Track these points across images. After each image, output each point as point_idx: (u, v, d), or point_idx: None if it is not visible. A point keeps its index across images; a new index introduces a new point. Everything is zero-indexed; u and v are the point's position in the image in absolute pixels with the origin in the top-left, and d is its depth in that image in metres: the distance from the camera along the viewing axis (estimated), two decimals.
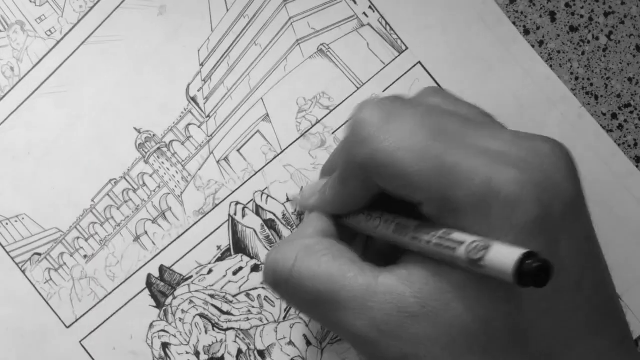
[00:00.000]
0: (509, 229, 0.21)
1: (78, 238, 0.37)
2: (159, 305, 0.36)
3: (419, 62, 0.36)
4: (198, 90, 0.37)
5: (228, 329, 0.36)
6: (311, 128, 0.36)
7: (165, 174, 0.36)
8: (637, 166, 0.36)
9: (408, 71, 0.36)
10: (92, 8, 0.37)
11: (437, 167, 0.22)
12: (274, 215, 0.36)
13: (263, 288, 0.36)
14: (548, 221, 0.22)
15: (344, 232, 0.29)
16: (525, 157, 0.23)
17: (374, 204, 0.28)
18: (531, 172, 0.22)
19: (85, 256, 0.36)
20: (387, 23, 0.36)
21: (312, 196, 0.30)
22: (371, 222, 0.27)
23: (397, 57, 0.36)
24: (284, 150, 0.36)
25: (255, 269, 0.36)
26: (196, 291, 0.36)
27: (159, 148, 0.37)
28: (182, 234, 0.36)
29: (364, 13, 0.36)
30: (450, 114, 0.26)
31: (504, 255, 0.20)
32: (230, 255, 0.36)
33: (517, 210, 0.21)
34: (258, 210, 0.36)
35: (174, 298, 0.36)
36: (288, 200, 0.36)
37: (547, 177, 0.23)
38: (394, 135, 0.23)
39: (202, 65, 0.37)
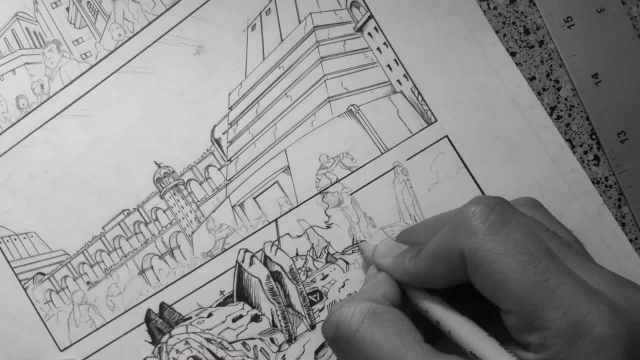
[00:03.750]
0: None
1: (84, 263, 0.38)
2: (155, 342, 0.38)
3: (447, 136, 0.38)
4: (223, 133, 0.38)
5: None
6: (330, 186, 0.38)
7: (179, 211, 0.38)
8: None
9: (434, 143, 0.38)
10: (130, 38, 0.38)
11: (539, 282, 0.24)
12: (282, 268, 0.38)
13: (260, 339, 0.38)
14: None
15: (407, 301, 0.31)
16: (622, 304, 0.24)
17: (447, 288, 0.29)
18: (627, 320, 0.23)
19: (88, 282, 0.38)
20: (419, 93, 0.38)
21: (387, 257, 0.32)
22: (436, 314, 0.29)
23: (425, 127, 0.38)
24: (300, 204, 0.38)
25: (255, 318, 0.38)
26: (193, 332, 0.38)
27: (176, 185, 0.38)
28: (187, 274, 0.38)
29: (398, 80, 0.38)
30: (553, 234, 0.27)
31: None
32: (232, 301, 0.38)
33: (603, 352, 0.23)
34: (266, 261, 0.38)
35: (171, 337, 0.38)
36: (355, 243, 0.38)
37: (638, 332, 0.23)
38: (505, 239, 0.25)
39: (230, 109, 0.38)
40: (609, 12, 0.37)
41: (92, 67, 0.39)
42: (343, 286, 0.38)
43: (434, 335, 0.29)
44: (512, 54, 0.38)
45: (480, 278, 0.25)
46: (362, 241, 0.38)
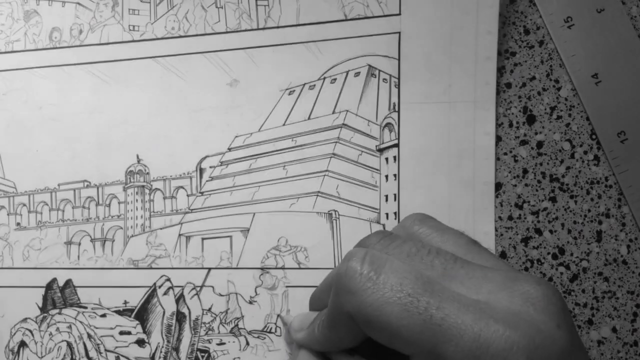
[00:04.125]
0: None
1: (24, 205, 0.38)
2: (44, 309, 0.38)
3: None
4: (210, 167, 0.38)
5: None
6: (273, 269, 0.38)
7: (131, 210, 0.38)
8: None
9: None
10: (181, 37, 0.39)
11: (426, 321, 0.23)
12: (189, 313, 0.38)
13: None
14: None
15: None
16: (516, 307, 0.24)
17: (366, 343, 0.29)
18: (522, 326, 0.23)
19: (18, 224, 0.38)
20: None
21: (301, 330, 0.32)
22: None
23: None
24: (238, 268, 0.38)
25: (140, 342, 0.38)
26: (80, 322, 0.38)
27: (143, 186, 0.38)
28: (106, 268, 0.38)
29: (387, 214, 0.38)
30: (437, 253, 0.27)
31: None
32: (130, 316, 0.38)
33: None
34: (179, 299, 0.38)
35: (59, 313, 0.38)
36: (280, 315, 0.38)
37: (539, 330, 0.23)
38: (382, 288, 0.25)
39: (229, 149, 0.38)
40: (609, 12, 0.37)
41: (133, 41, 0.39)
42: None
43: None
44: (512, 54, 0.38)
45: (374, 332, 0.25)
46: (283, 317, 0.38)
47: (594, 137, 0.38)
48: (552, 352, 0.23)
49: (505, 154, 0.38)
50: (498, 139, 0.38)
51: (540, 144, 0.38)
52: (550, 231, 0.38)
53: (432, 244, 0.28)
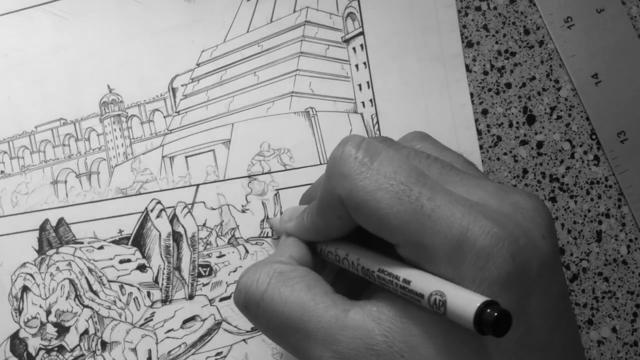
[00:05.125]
0: (480, 280, 0.22)
1: (5, 153, 0.39)
2: (41, 251, 0.38)
3: None
4: (182, 85, 0.39)
5: (87, 306, 0.38)
6: (260, 174, 0.38)
7: (111, 140, 0.39)
8: None
9: None
10: None
11: (416, 210, 0.23)
12: (185, 231, 0.38)
13: (138, 289, 0.38)
14: (521, 278, 0.23)
15: (317, 259, 0.31)
16: (505, 210, 0.24)
17: (352, 234, 0.29)
18: (509, 227, 0.23)
19: (2, 172, 0.39)
20: (377, 122, 0.38)
21: (290, 221, 0.32)
22: (338, 257, 0.29)
23: None
24: (226, 180, 0.38)
25: (141, 268, 0.38)
26: (79, 258, 0.38)
27: (118, 115, 0.39)
28: (95, 201, 0.39)
29: (363, 102, 0.38)
30: (435, 159, 0.27)
31: (466, 303, 0.21)
32: (127, 244, 0.38)
33: (490, 264, 0.22)
34: (173, 219, 0.38)
35: (57, 253, 0.39)
36: (267, 218, 0.38)
37: (524, 234, 0.23)
38: (375, 174, 0.24)
39: (198, 65, 0.39)
40: (609, 12, 0.38)
41: None
42: (234, 271, 0.39)
43: (352, 290, 0.29)
44: (512, 54, 0.39)
45: (362, 218, 0.25)
46: (269, 218, 0.38)
47: (594, 137, 0.38)
48: (534, 257, 0.23)
49: (505, 154, 0.39)
50: (498, 139, 0.39)
51: (540, 144, 0.39)
52: None
53: (429, 153, 0.28)
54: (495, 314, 0.20)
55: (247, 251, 0.39)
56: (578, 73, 0.38)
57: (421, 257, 0.24)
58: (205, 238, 0.39)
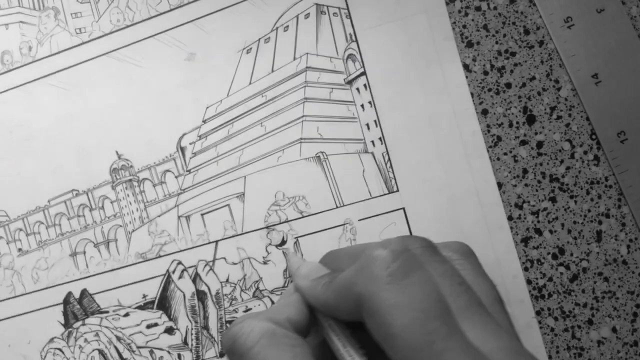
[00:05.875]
0: None
1: (20, 230, 0.39)
2: (67, 324, 0.38)
3: (403, 209, 0.38)
4: (190, 143, 0.39)
5: None
6: (278, 224, 0.39)
7: (126, 206, 0.39)
8: None
9: (390, 212, 0.39)
10: (128, 26, 0.39)
11: (426, 344, 0.24)
12: (208, 289, 0.38)
13: (168, 352, 0.38)
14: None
15: (314, 322, 0.31)
16: None
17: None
18: None
19: (20, 249, 0.39)
20: (389, 159, 0.39)
21: (305, 279, 0.32)
22: (335, 345, 0.29)
23: (385, 194, 0.39)
24: (244, 233, 0.39)
25: (169, 330, 0.38)
26: (106, 327, 0.38)
27: (130, 180, 0.39)
28: (116, 269, 0.39)
29: (372, 141, 0.39)
30: (466, 289, 0.27)
31: None
32: (152, 308, 0.38)
33: None
34: (195, 278, 0.39)
35: (83, 324, 0.39)
36: (285, 256, 0.38)
37: None
38: (401, 293, 0.25)
39: (204, 122, 0.39)
40: (609, 12, 0.38)
41: (83, 43, 0.40)
42: None
43: None
44: (512, 54, 0.39)
45: (372, 324, 0.25)
46: (291, 251, 0.38)
47: (594, 137, 0.38)
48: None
49: (505, 154, 0.39)
50: (498, 139, 0.39)
51: (540, 144, 0.39)
52: (550, 231, 0.38)
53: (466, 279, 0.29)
54: None
55: (272, 302, 0.39)
56: (578, 73, 0.38)
57: None
58: (230, 294, 0.39)
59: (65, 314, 0.39)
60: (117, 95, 0.40)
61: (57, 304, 0.39)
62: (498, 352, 0.25)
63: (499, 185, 0.39)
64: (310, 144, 0.40)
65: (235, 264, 0.39)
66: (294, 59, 0.40)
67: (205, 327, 0.39)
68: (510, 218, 0.39)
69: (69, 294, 0.39)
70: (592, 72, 0.38)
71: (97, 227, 0.40)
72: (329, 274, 0.31)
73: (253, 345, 0.27)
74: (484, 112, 0.39)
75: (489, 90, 0.39)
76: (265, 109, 0.40)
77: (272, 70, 0.40)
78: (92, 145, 0.40)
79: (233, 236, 0.39)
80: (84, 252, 0.40)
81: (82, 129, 0.40)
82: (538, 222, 0.39)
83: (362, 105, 0.39)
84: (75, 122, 0.40)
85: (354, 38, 0.39)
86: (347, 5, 0.39)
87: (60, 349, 0.39)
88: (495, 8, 0.39)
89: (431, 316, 0.24)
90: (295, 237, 0.39)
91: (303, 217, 0.39)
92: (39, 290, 0.39)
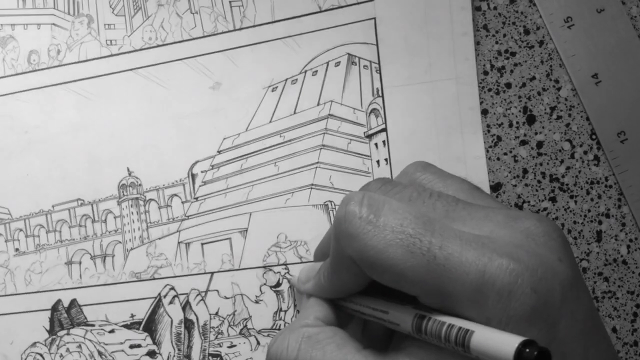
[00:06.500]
0: (506, 319, 0.23)
1: (20, 230, 0.39)
2: (52, 331, 0.39)
3: None
4: (201, 172, 0.39)
5: None
6: (276, 266, 0.39)
7: (128, 223, 0.39)
8: None
9: None
10: (159, 46, 0.39)
11: (430, 261, 0.23)
12: (197, 319, 0.39)
13: None
14: (546, 309, 0.23)
15: (342, 314, 0.31)
16: (518, 241, 0.24)
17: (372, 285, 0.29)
18: (525, 259, 0.23)
19: (17, 249, 0.39)
20: None
21: (308, 281, 0.32)
22: (364, 310, 0.29)
23: None
24: (241, 269, 0.39)
25: (151, 354, 0.39)
26: (89, 340, 0.39)
27: (137, 198, 0.39)
28: (109, 284, 0.39)
29: None
30: (439, 196, 0.27)
31: (503, 345, 0.21)
32: (138, 329, 0.39)
33: (513, 301, 0.23)
34: (185, 306, 0.39)
35: (68, 334, 0.39)
36: (289, 282, 0.39)
37: (541, 263, 0.23)
38: (383, 230, 0.24)
39: (219, 152, 0.39)
40: (609, 12, 0.38)
41: (111, 55, 0.40)
42: None
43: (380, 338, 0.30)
44: (512, 54, 0.39)
45: (378, 275, 0.25)
46: (290, 277, 0.38)
47: (594, 137, 0.38)
48: (555, 284, 0.23)
49: (505, 154, 0.39)
50: (498, 139, 0.39)
51: (540, 144, 0.39)
52: None
53: (434, 189, 0.29)
54: (535, 352, 0.21)
55: (258, 343, 0.39)
56: (578, 73, 0.38)
57: (445, 304, 0.24)
58: (217, 327, 0.39)
59: (51, 320, 0.39)
60: (137, 112, 0.40)
61: (45, 310, 0.40)
62: (498, 230, 0.25)
63: (499, 185, 0.39)
64: (320, 191, 0.40)
65: (227, 298, 0.39)
66: (318, 104, 0.40)
67: (188, 357, 0.39)
68: None
69: (59, 301, 0.40)
70: (592, 72, 0.38)
71: (96, 240, 0.40)
72: (323, 263, 0.31)
73: (296, 355, 0.27)
74: (484, 112, 0.39)
75: (489, 90, 0.39)
76: (281, 149, 0.40)
77: (295, 112, 0.40)
78: (104, 157, 0.40)
79: (229, 270, 0.40)
80: (80, 263, 0.40)
81: (97, 140, 0.40)
82: None
83: (378, 161, 0.39)
84: (91, 132, 0.40)
85: (380, 93, 0.39)
86: (379, 59, 0.39)
87: (41, 355, 0.39)
88: (495, 8, 0.39)
89: (420, 233, 0.24)
90: (290, 283, 0.39)
91: (302, 262, 0.39)
92: (29, 293, 0.40)
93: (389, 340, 0.29)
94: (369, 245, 0.25)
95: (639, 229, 0.38)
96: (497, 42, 0.39)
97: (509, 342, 0.21)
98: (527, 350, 0.21)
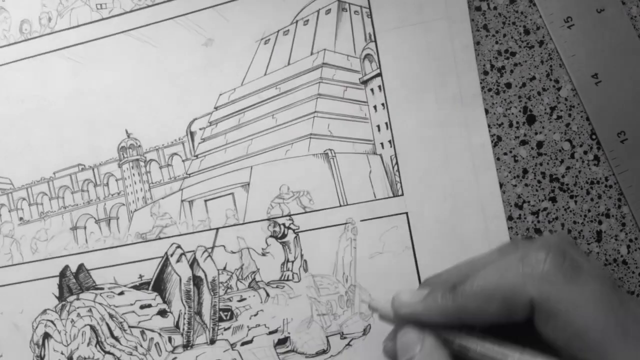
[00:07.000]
0: None
1: (24, 199, 0.39)
2: (61, 297, 0.39)
3: (407, 213, 0.39)
4: (200, 129, 0.39)
5: (108, 352, 0.39)
6: (280, 217, 0.39)
7: (130, 185, 0.39)
8: None
9: (392, 215, 0.39)
10: (149, 6, 0.40)
11: (619, 333, 0.24)
12: (205, 275, 0.39)
13: (159, 334, 0.39)
14: None
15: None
16: None
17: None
18: None
19: (21, 218, 0.39)
20: (397, 163, 0.39)
21: (415, 302, 0.31)
22: (497, 352, 0.28)
23: (390, 197, 0.39)
24: (246, 223, 0.39)
25: (162, 313, 0.39)
26: (99, 303, 0.39)
27: (137, 160, 0.39)
28: (115, 246, 0.39)
29: (382, 143, 0.39)
30: (614, 285, 0.28)
31: None
32: (147, 289, 0.39)
33: None
34: (193, 263, 0.39)
35: (77, 299, 0.39)
36: (369, 307, 0.36)
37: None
38: (581, 288, 0.25)
39: (216, 108, 0.39)
40: (609, 12, 0.38)
41: (102, 19, 0.40)
42: (256, 314, 0.39)
43: None
44: (512, 54, 0.39)
45: (553, 328, 0.25)
46: (370, 300, 0.35)
47: (594, 137, 0.38)
48: None
49: (505, 154, 0.39)
50: (498, 139, 0.39)
51: (540, 144, 0.39)
52: (550, 231, 0.39)
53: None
54: None
55: (267, 295, 0.39)
56: (578, 73, 0.38)
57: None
58: (226, 282, 0.39)
59: (60, 287, 0.40)
60: (131, 74, 0.40)
61: (53, 276, 0.40)
62: None
63: (500, 185, 0.39)
64: (319, 140, 0.40)
65: (234, 252, 0.40)
66: (311, 53, 0.40)
67: (198, 313, 0.39)
68: (510, 218, 0.39)
69: (66, 267, 0.40)
70: (592, 72, 0.38)
71: (99, 204, 0.40)
72: (440, 286, 0.30)
73: None
74: (485, 114, 0.39)
75: (489, 90, 0.39)
76: (278, 101, 0.40)
77: (289, 63, 0.40)
78: (102, 121, 0.40)
79: (234, 225, 0.40)
80: (85, 227, 0.40)
81: (94, 105, 0.40)
82: (538, 222, 0.39)
83: (375, 107, 0.39)
84: (87, 97, 0.40)
85: (372, 38, 0.39)
86: (369, 4, 0.39)
87: (52, 321, 0.40)
88: (495, 8, 0.39)
89: (616, 306, 0.25)
90: (296, 232, 0.40)
91: (305, 212, 0.40)
92: (36, 261, 0.40)
93: None
94: (564, 296, 0.25)
95: (639, 229, 0.38)
96: (497, 42, 0.39)
97: None
98: None
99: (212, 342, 0.39)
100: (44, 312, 0.40)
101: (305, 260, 0.39)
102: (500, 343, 0.28)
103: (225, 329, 0.39)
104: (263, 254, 0.40)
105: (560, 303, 0.25)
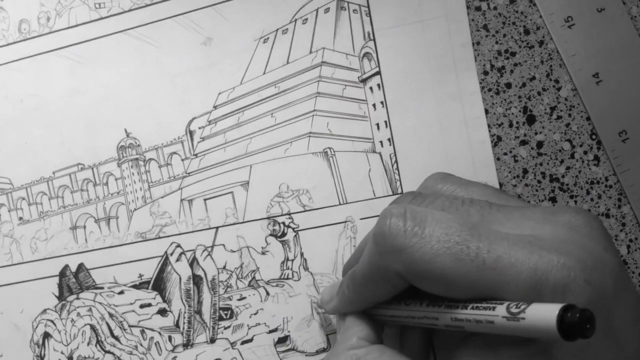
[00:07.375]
0: None
1: (23, 199, 0.39)
2: (61, 297, 0.39)
3: None
4: (199, 128, 0.39)
5: (109, 352, 0.39)
6: (279, 216, 0.39)
7: (129, 184, 0.39)
8: None
9: None
10: (147, 5, 0.40)
11: (479, 267, 0.24)
12: (205, 274, 0.39)
13: (159, 333, 0.39)
14: (601, 300, 0.23)
15: (378, 327, 0.32)
16: (562, 236, 0.25)
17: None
18: (573, 252, 0.23)
19: (20, 218, 0.39)
20: (396, 161, 0.39)
21: (332, 300, 0.33)
22: (405, 311, 0.29)
23: (389, 195, 0.39)
24: (245, 222, 0.39)
25: (162, 312, 0.39)
26: (99, 303, 0.39)
27: (136, 159, 0.39)
28: (115, 246, 0.39)
29: (381, 142, 0.39)
30: (471, 202, 0.28)
31: (545, 312, 0.21)
32: (147, 288, 0.39)
33: (568, 295, 0.23)
34: (193, 262, 0.39)
35: (77, 298, 0.39)
36: (317, 304, 0.39)
37: (590, 254, 0.24)
38: (430, 241, 0.25)
39: (215, 107, 0.40)
40: (609, 11, 0.38)
41: (101, 18, 0.40)
42: (256, 313, 0.39)
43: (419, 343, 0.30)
44: (512, 54, 0.39)
45: (428, 285, 0.26)
46: (314, 301, 0.38)
47: (594, 137, 0.39)
48: (605, 273, 0.24)
49: (505, 154, 0.39)
50: (498, 139, 0.39)
51: (540, 144, 0.39)
52: None
53: (464, 196, 0.29)
54: (578, 314, 0.21)
55: (267, 293, 0.39)
56: (578, 73, 0.38)
57: None
58: (226, 281, 0.40)
59: (60, 286, 0.40)
60: (130, 73, 0.40)
61: (53, 276, 0.40)
62: (539, 227, 0.25)
63: (500, 185, 0.39)
64: (318, 139, 0.40)
65: (233, 251, 0.40)
66: (310, 52, 0.40)
67: (198, 312, 0.39)
68: None
69: (66, 266, 0.40)
70: (593, 72, 0.38)
71: (99, 203, 0.40)
72: (345, 277, 0.32)
73: None
74: (484, 112, 0.39)
75: (489, 90, 0.39)
76: (277, 100, 0.40)
77: (287, 62, 0.40)
78: (101, 121, 0.40)
79: (234, 224, 0.40)
80: (84, 227, 0.40)
81: (93, 104, 0.40)
82: None
83: (374, 105, 0.40)
84: (86, 97, 0.40)
85: (371, 37, 0.40)
86: (367, 3, 0.40)
87: (52, 321, 0.40)
88: (495, 8, 0.39)
89: (466, 239, 0.24)
90: (295, 230, 0.40)
91: (305, 210, 0.40)
92: (36, 261, 0.40)
93: (427, 347, 0.30)
94: (416, 258, 0.25)
95: (639, 229, 0.38)
96: (497, 42, 0.39)
97: (550, 310, 0.21)
98: (569, 314, 0.21)
99: (212, 341, 0.39)
100: (44, 311, 0.40)
101: (305, 259, 0.39)
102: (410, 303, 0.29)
103: (225, 328, 0.39)
104: (263, 253, 0.40)
105: (418, 265, 0.25)
